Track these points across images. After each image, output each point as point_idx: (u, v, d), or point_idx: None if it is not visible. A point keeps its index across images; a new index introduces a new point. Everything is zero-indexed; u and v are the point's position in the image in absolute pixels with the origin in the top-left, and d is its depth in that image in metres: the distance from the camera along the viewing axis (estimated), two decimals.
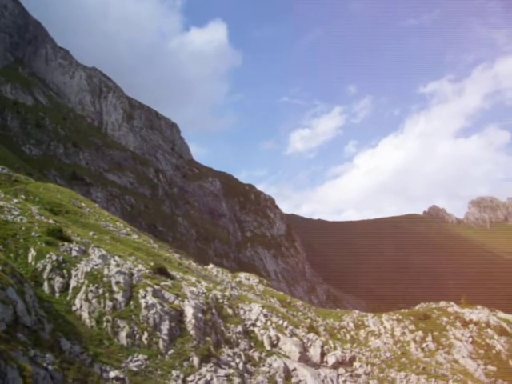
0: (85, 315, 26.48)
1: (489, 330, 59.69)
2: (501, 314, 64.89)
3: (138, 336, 26.63)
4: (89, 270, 29.67)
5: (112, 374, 22.88)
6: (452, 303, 68.09)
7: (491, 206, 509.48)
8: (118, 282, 29.33)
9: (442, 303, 68.68)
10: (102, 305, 27.38)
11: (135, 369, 24.16)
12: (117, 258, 33.39)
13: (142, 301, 28.78)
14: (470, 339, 57.76)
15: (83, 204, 59.86)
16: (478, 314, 63.18)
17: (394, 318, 61.55)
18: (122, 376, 23.08)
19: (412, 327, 59.46)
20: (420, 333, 58.35)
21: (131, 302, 28.62)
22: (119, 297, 28.31)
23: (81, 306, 26.91)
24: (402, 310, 66.83)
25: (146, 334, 26.93)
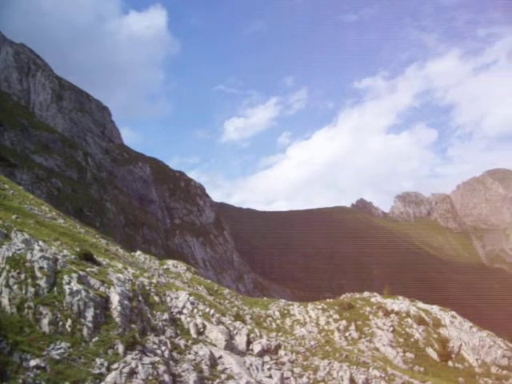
0: (5, 302, 25.52)
1: (409, 319, 61.98)
2: (420, 304, 67.49)
3: (61, 323, 25.92)
4: (10, 254, 28.62)
5: (33, 363, 22.19)
6: (375, 294, 70.27)
7: (416, 200, 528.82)
8: (41, 268, 28.45)
9: (366, 293, 70.77)
10: (24, 291, 26.47)
11: (57, 357, 23.53)
12: (41, 242, 32.38)
13: (67, 287, 28.04)
14: (391, 328, 59.81)
15: (6, 186, 57.72)
16: (399, 304, 65.43)
17: (320, 307, 62.85)
18: (43, 365, 22.43)
19: (336, 316, 60.90)
20: (344, 322, 59.87)
21: (55, 289, 27.82)
22: (42, 283, 27.48)
23: (0, 292, 25.90)
24: (328, 300, 68.39)
25: (69, 321, 26.26)
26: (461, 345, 58.52)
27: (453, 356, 57.06)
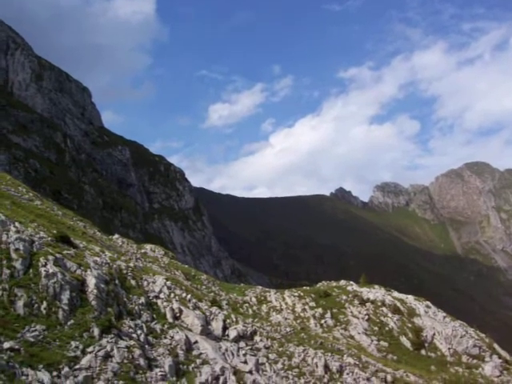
0: None
1: (384, 308, 62.62)
2: (395, 294, 68.23)
3: (36, 306, 25.75)
4: None
5: (6, 345, 22.00)
6: (351, 282, 70.83)
7: (394, 191, 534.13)
8: (17, 249, 28.19)
9: (342, 282, 71.31)
10: None
11: (32, 339, 23.39)
12: (17, 224, 32.03)
13: (43, 269, 27.85)
14: (366, 317, 60.38)
15: None
16: (375, 293, 66.04)
17: (296, 294, 63.17)
18: (17, 347, 22.27)
19: (312, 304, 61.28)
20: (320, 309, 60.28)
21: (30, 271, 27.61)
22: (18, 265, 27.25)
23: None
24: (304, 288, 68.71)
25: (45, 304, 26.11)
26: (434, 334, 59.34)
27: (426, 345, 57.84)
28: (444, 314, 65.12)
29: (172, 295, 36.82)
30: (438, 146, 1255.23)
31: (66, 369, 22.89)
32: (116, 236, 68.27)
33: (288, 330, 45.36)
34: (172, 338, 31.10)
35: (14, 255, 27.72)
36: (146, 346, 28.64)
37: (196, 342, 32.15)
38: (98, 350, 25.12)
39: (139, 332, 29.49)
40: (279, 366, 35.05)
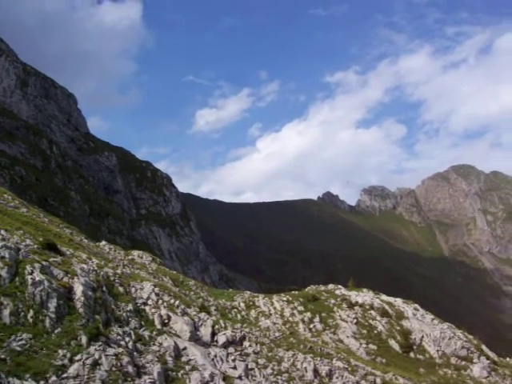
0: None
1: (372, 311, 62.86)
2: (384, 297, 68.47)
3: (22, 314, 25.49)
4: None
5: None
6: (340, 286, 71.00)
7: (381, 194, 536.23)
8: (2, 257, 27.92)
9: (331, 286, 71.45)
10: None
11: (18, 348, 23.13)
12: (3, 231, 31.77)
13: (29, 277, 27.59)
14: (355, 320, 60.56)
15: None
16: (364, 296, 66.23)
17: (285, 299, 63.16)
18: (3, 356, 22.01)
19: (301, 308, 61.32)
20: (308, 314, 60.33)
21: (17, 279, 27.34)
22: (4, 273, 26.97)
23: None
24: (293, 292, 68.71)
25: (31, 312, 25.85)
26: (422, 336, 59.59)
27: (414, 347, 58.09)
28: (432, 317, 65.45)
29: (160, 301, 36.66)
30: (424, 150, 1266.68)
31: (54, 378, 22.66)
32: (103, 243, 67.87)
33: (277, 334, 45.29)
34: (160, 344, 30.93)
35: None
36: (135, 353, 28.44)
37: (185, 348, 32.01)
38: (86, 358, 24.90)
39: (127, 339, 29.29)
40: (269, 371, 34.96)
